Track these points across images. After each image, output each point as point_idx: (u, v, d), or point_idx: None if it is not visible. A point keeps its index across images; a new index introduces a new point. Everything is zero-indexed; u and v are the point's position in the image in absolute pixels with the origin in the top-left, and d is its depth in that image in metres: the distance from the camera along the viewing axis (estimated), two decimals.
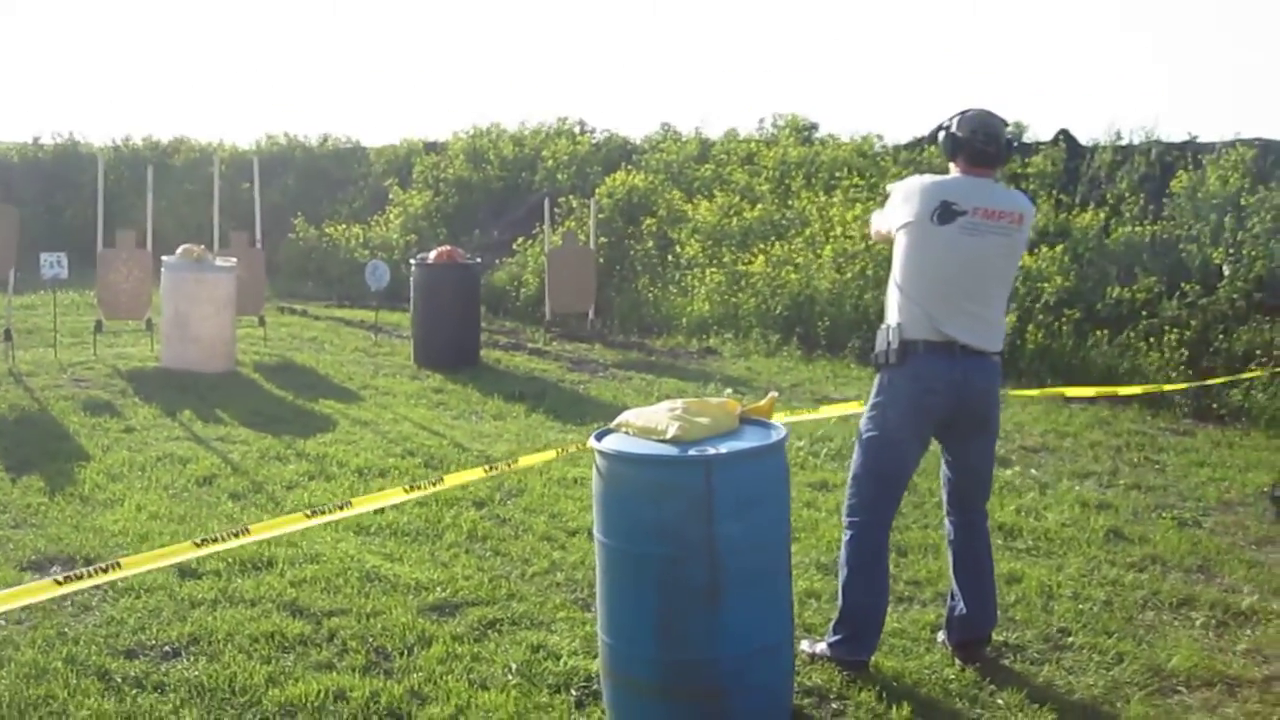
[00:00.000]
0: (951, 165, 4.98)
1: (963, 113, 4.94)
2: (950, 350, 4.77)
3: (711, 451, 4.20)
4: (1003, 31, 54.80)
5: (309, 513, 4.46)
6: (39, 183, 21.25)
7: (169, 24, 61.68)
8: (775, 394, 4.98)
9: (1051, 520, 7.11)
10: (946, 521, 5.22)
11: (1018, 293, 12.24)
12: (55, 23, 56.93)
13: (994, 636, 5.25)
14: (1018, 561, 6.39)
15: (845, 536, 4.99)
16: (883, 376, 4.90)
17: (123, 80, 55.08)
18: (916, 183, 4.90)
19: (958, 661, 5.03)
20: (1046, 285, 12.07)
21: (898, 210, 4.89)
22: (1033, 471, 8.27)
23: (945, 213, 4.73)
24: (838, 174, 15.94)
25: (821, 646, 5.00)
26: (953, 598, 5.12)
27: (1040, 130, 16.87)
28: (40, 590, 3.73)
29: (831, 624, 5.02)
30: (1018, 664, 5.10)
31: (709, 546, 4.14)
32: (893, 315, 4.86)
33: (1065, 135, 14.75)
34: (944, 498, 5.23)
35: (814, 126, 18.80)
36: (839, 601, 4.96)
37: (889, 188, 5.40)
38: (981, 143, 4.87)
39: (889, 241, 5.00)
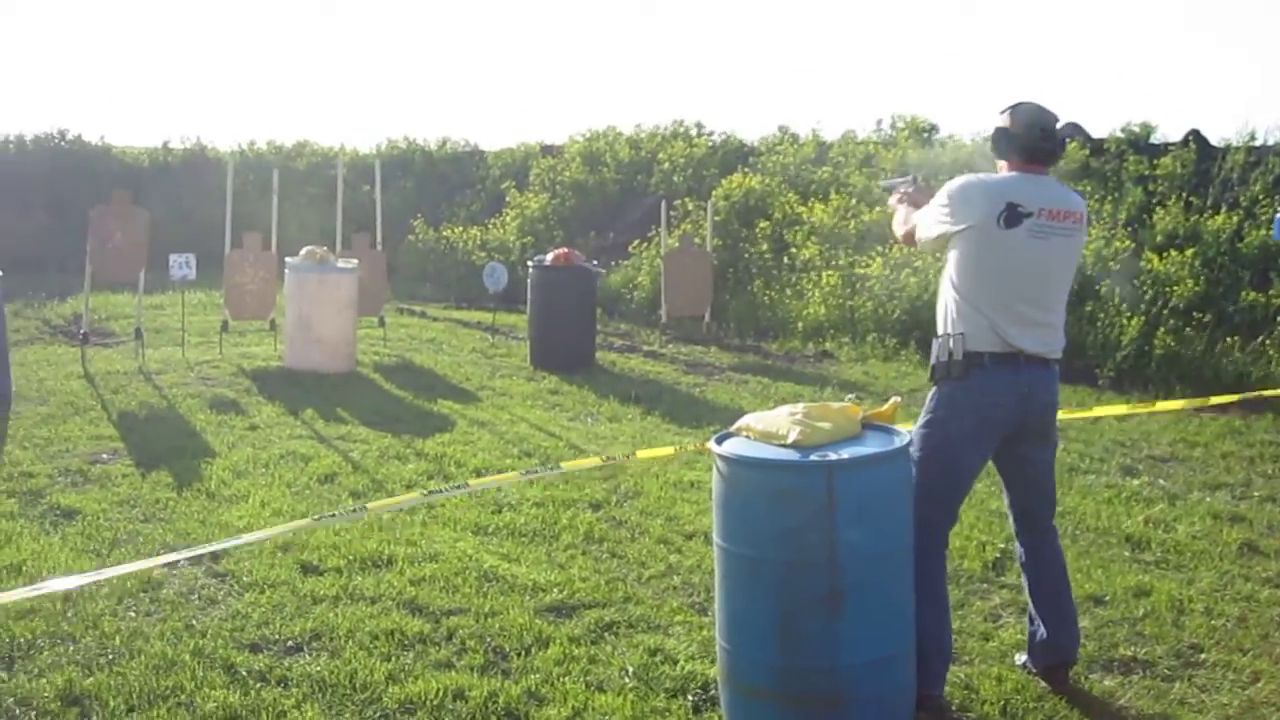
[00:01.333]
0: (1002, 164, 4.72)
1: (1014, 107, 4.68)
2: (1016, 361, 4.53)
3: (833, 457, 4.14)
4: (1129, 27, 53.54)
5: (425, 492, 4.48)
6: (168, 186, 21.78)
7: (294, 31, 63.02)
8: (898, 399, 4.90)
9: (1182, 532, 6.90)
10: (1016, 544, 4.98)
11: (1144, 296, 11.95)
12: (184, 30, 58.48)
13: (1123, 650, 5.11)
14: (1146, 574, 6.20)
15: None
16: (942, 390, 4.61)
17: (248, 86, 56.34)
18: (977, 183, 4.61)
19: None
20: (1175, 289, 11.75)
21: (955, 213, 4.59)
22: (1161, 482, 8.04)
23: (1011, 215, 4.47)
24: (959, 175, 15.65)
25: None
26: (1032, 621, 4.89)
27: (1170, 131, 16.44)
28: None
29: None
30: (1148, 680, 4.94)
31: (830, 553, 4.08)
32: (953, 325, 4.59)
33: (1196, 136, 14.33)
34: (1010, 519, 5.01)
35: (934, 128, 18.54)
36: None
37: (912, 177, 5.23)
38: (1039, 139, 4.61)
39: (932, 246, 4.72)
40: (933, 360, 4.63)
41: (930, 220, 4.72)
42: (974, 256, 4.54)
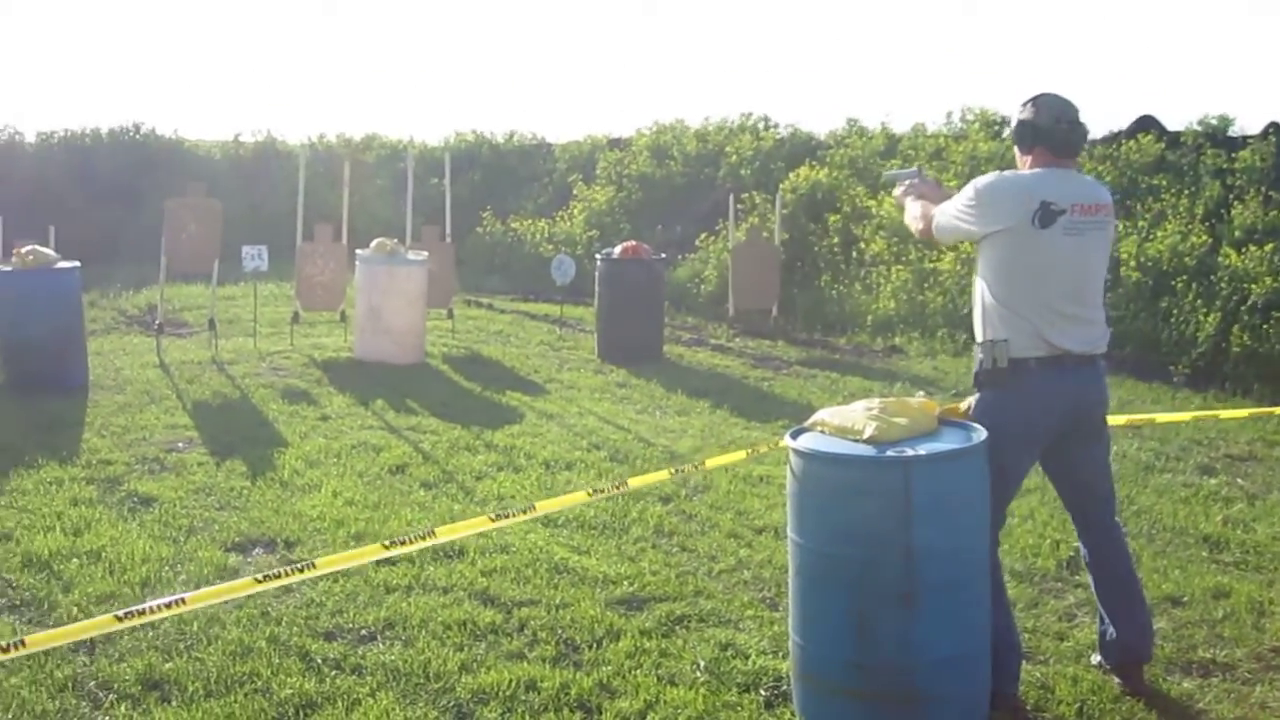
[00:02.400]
0: (1025, 158, 4.61)
1: (1035, 99, 4.55)
2: (1062, 363, 4.45)
3: (910, 453, 4.12)
4: (1207, 18, 52.64)
5: (493, 516, 4.49)
6: (240, 178, 22.03)
7: (362, 24, 63.54)
8: (976, 395, 4.84)
9: (1261, 533, 6.78)
10: (1080, 544, 4.90)
11: (1221, 293, 11.74)
12: (255, 24, 59.18)
13: (1201, 653, 5.04)
14: (1225, 575, 6.10)
15: None
16: (986, 397, 4.54)
17: (318, 79, 56.92)
18: (1008, 182, 4.49)
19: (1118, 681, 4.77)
20: (1255, 286, 11.53)
21: (984, 215, 4.46)
22: (1240, 481, 7.90)
23: (1046, 214, 4.36)
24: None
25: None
26: (1101, 621, 4.81)
27: (1248, 123, 16.11)
28: (241, 588, 3.86)
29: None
30: (1227, 683, 4.86)
31: (906, 550, 4.06)
32: (994, 331, 4.49)
33: (1276, 128, 14.05)
34: (1072, 520, 4.93)
35: (1005, 121, 18.33)
36: None
37: (918, 169, 5.13)
38: (1066, 131, 4.51)
39: (951, 243, 4.60)
40: (976, 367, 4.57)
41: (953, 219, 4.60)
42: (1009, 260, 4.46)
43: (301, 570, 3.88)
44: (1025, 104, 4.59)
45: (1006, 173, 4.59)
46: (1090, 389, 4.57)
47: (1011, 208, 4.41)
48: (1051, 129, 4.51)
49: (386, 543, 4.12)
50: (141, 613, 3.45)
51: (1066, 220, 4.39)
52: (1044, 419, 4.51)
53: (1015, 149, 4.68)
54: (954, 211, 4.59)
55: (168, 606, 3.50)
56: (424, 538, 4.25)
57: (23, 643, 3.25)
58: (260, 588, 3.75)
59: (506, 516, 4.51)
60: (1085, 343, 4.50)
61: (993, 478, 4.44)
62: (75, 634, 3.57)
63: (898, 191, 5.24)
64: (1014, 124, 4.63)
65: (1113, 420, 4.91)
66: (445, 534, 4.37)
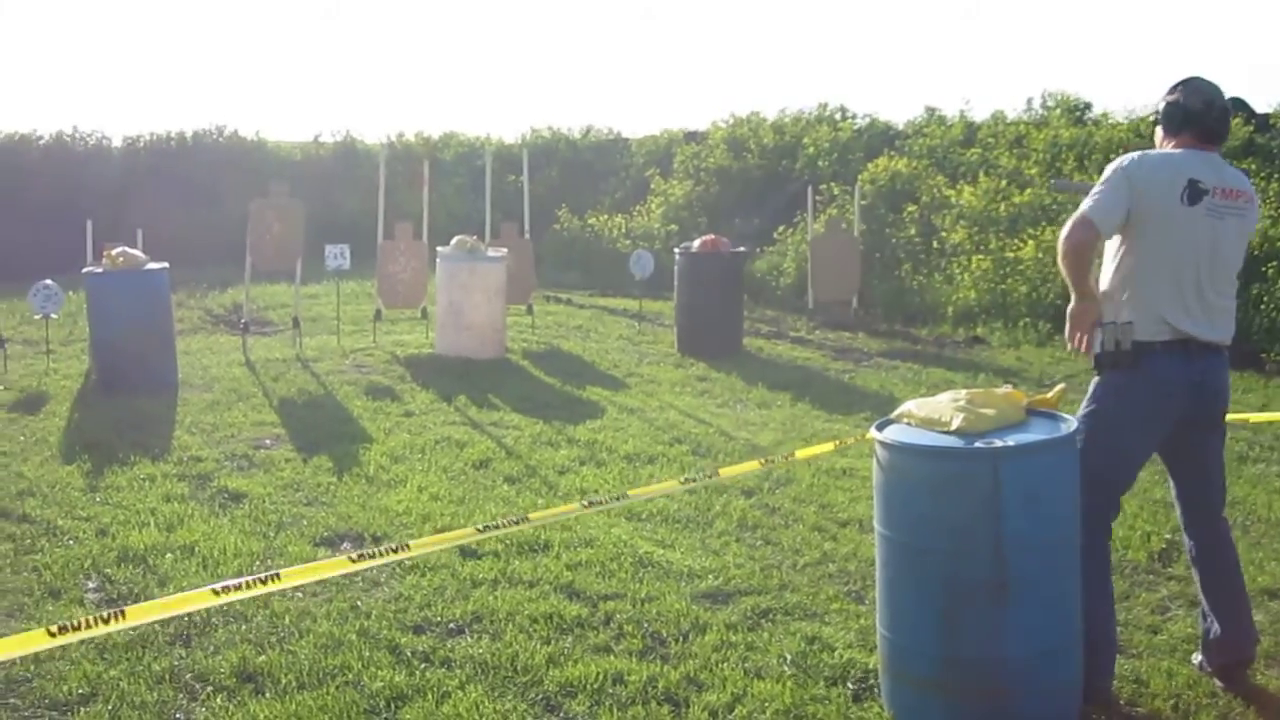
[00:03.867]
0: (1169, 141, 4.51)
1: (1185, 82, 4.48)
2: (1187, 349, 4.37)
3: (999, 444, 4.07)
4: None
5: (585, 504, 4.51)
6: (320, 178, 22.29)
7: (439, 24, 64.03)
8: (1063, 385, 4.79)
9: None
10: (1185, 537, 4.78)
11: None
12: (334, 26, 59.88)
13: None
14: None
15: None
16: (1108, 380, 4.45)
17: (395, 79, 57.49)
18: (1157, 156, 4.43)
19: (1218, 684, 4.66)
20: None
21: (1133, 186, 4.32)
22: None
23: (1194, 192, 4.29)
24: (1113, 155, 15.17)
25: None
26: (1204, 618, 4.70)
27: None
28: (336, 566, 3.91)
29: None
30: None
31: (995, 543, 4.02)
32: (1119, 312, 4.40)
33: None
34: (1179, 512, 4.79)
35: (1087, 106, 18.09)
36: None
37: (1081, 183, 4.98)
38: (1216, 118, 4.45)
39: (1111, 232, 4.34)
40: (1097, 349, 4.46)
41: (1105, 200, 4.37)
42: (1150, 236, 4.36)
43: (395, 551, 3.92)
44: (1174, 87, 4.52)
45: (1151, 151, 4.51)
46: (1212, 377, 4.49)
47: (1158, 181, 4.34)
48: (1203, 114, 4.45)
49: (479, 526, 4.15)
50: (239, 587, 3.51)
51: (1210, 201, 4.33)
52: (1165, 402, 4.43)
53: (1159, 131, 4.60)
54: (1106, 194, 4.38)
55: (263, 582, 3.55)
56: (517, 523, 4.27)
57: (123, 613, 3.32)
58: (355, 567, 3.80)
59: (600, 504, 4.51)
60: (1213, 330, 4.43)
61: (1110, 463, 4.42)
62: (176, 605, 3.64)
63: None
64: (1161, 107, 4.55)
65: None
66: (538, 518, 4.39)
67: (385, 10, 63.83)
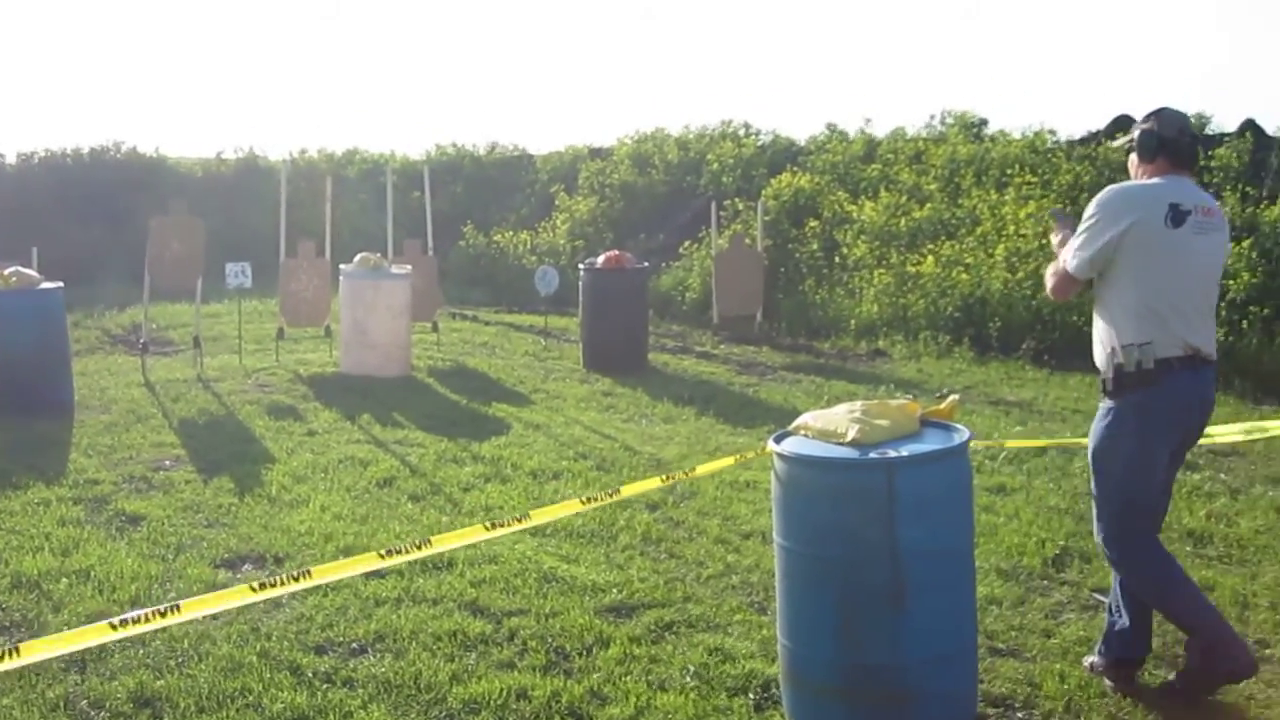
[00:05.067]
0: (1145, 167, 4.70)
1: (1158, 111, 4.70)
2: (1195, 364, 4.55)
3: (893, 454, 4.15)
4: (1175, 19, 52.97)
5: (488, 525, 4.51)
6: (221, 195, 21.97)
7: (341, 40, 63.56)
8: (956, 396, 4.89)
9: (1244, 527, 6.84)
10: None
11: None
12: (234, 41, 59.16)
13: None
14: (1209, 570, 6.15)
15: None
16: (1129, 400, 4.54)
17: (298, 95, 56.93)
18: (1134, 188, 4.64)
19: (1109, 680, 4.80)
20: (1233, 282, 11.62)
21: (1115, 214, 4.53)
22: (1222, 476, 7.97)
23: (1176, 215, 4.48)
24: (1009, 171, 15.58)
25: (1195, 667, 4.64)
26: (1113, 613, 4.84)
27: (1225, 120, 16.25)
28: (238, 595, 3.87)
29: (1195, 649, 4.64)
30: None
31: (891, 550, 4.09)
32: (1134, 334, 4.51)
33: (1252, 126, 14.18)
34: None
35: (984, 122, 18.46)
36: (1185, 627, 4.67)
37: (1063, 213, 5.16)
38: (1188, 143, 4.69)
39: (1094, 267, 4.56)
40: (1111, 373, 4.59)
41: (1087, 237, 4.60)
42: (1144, 260, 4.52)
43: (297, 579, 3.88)
44: (1147, 117, 4.72)
45: (1129, 183, 4.71)
46: (1211, 391, 4.70)
47: (1140, 210, 4.51)
48: (1176, 140, 4.65)
49: (382, 552, 4.13)
50: (137, 620, 3.45)
51: (1193, 221, 4.51)
52: (1185, 416, 4.62)
53: (1133, 158, 4.78)
54: (1087, 230, 4.60)
55: (162, 614, 3.49)
56: (419, 547, 4.26)
57: (17, 650, 3.25)
58: (256, 597, 3.75)
59: (501, 526, 4.52)
60: (1210, 344, 4.62)
61: (1147, 486, 4.59)
62: (71, 641, 3.56)
63: (1055, 240, 5.11)
64: (1136, 135, 4.73)
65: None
66: (440, 543, 4.38)
67: (289, 27, 63.23)
